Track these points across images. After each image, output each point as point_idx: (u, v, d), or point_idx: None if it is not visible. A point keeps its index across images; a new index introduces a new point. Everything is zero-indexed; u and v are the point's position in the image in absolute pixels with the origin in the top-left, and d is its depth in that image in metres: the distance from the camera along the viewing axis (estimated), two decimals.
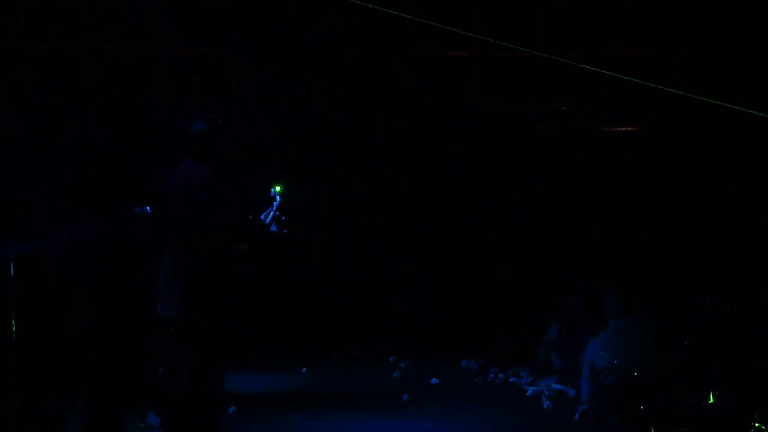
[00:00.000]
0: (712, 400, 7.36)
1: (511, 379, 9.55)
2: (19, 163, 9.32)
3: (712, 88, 11.10)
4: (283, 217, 6.11)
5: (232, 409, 8.05)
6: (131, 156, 6.83)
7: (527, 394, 8.84)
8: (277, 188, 6.02)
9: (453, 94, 11.92)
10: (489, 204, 11.71)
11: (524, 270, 11.56)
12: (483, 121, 11.72)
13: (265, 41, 11.41)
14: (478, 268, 11.70)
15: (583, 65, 9.10)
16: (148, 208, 6.16)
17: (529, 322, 10.83)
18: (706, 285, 9.80)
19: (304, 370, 10.26)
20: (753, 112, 6.62)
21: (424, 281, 11.68)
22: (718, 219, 11.10)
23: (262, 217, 5.99)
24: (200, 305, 5.64)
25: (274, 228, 6.03)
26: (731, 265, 10.46)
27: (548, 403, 8.38)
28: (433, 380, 9.58)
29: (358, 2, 7.38)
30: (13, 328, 7.53)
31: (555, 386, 8.94)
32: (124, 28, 11.30)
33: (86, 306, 6.68)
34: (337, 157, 11.36)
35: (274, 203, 6.05)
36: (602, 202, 11.57)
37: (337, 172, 11.41)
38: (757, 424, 7.01)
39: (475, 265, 11.71)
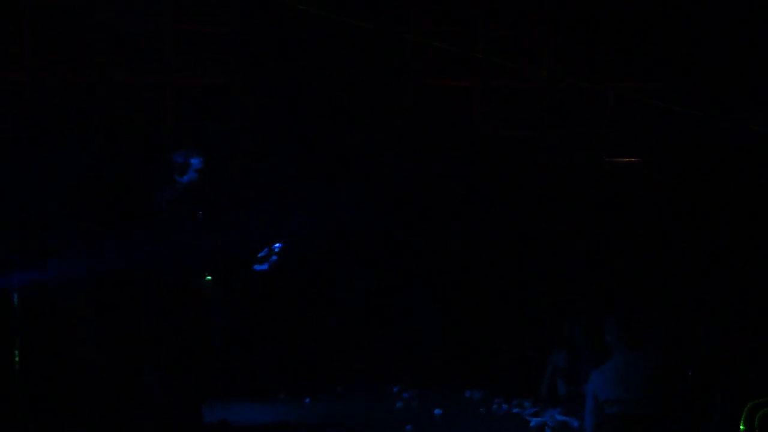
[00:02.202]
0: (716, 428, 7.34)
1: (514, 410, 9.53)
2: (23, 191, 9.34)
3: (715, 116, 11.19)
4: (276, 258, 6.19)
5: None
6: (136, 183, 6.86)
7: (531, 425, 8.82)
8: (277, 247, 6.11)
9: (456, 121, 11.96)
10: (493, 232, 11.71)
11: (528, 299, 11.55)
12: (487, 148, 11.75)
13: (266, 68, 11.48)
14: (482, 298, 11.68)
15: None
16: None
17: (533, 349, 10.81)
18: (709, 314, 9.79)
19: (307, 400, 10.23)
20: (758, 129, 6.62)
21: (428, 311, 11.66)
22: (722, 248, 11.09)
23: (256, 267, 6.11)
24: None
25: (265, 267, 6.13)
26: (734, 294, 10.44)
27: None
28: (437, 411, 9.56)
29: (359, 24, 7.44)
30: (17, 359, 7.52)
31: (559, 417, 8.92)
32: (130, 56, 11.38)
33: (89, 336, 6.69)
34: (340, 182, 11.38)
35: (272, 257, 6.14)
36: (606, 231, 11.57)
37: (340, 199, 11.42)
38: None
39: (479, 294, 11.69)
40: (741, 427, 6.83)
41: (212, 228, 6.02)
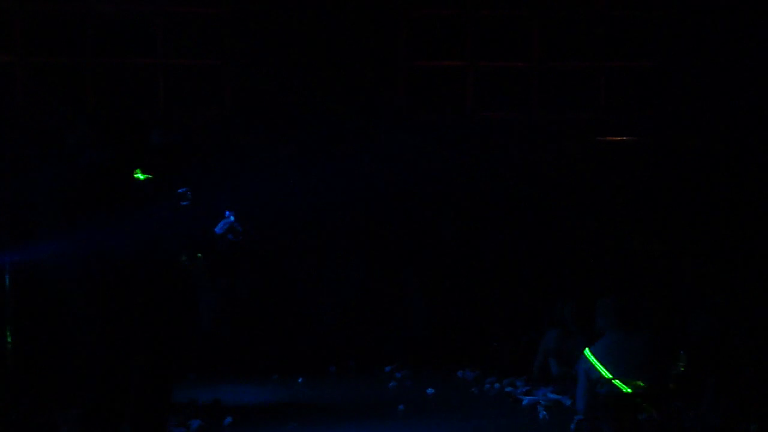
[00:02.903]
0: (707, 411, 7.36)
1: (507, 389, 9.56)
2: (14, 172, 9.33)
3: (710, 97, 11.20)
4: (240, 228, 6.21)
5: (228, 420, 8.05)
6: (127, 166, 6.84)
7: (523, 404, 8.84)
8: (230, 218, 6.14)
9: (448, 104, 11.94)
10: (484, 212, 11.71)
11: (520, 278, 11.56)
12: (478, 131, 11.74)
13: (260, 50, 11.45)
14: (474, 277, 11.69)
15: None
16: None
17: (525, 330, 10.83)
18: (702, 296, 9.81)
19: (300, 380, 10.25)
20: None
21: (419, 291, 11.68)
22: (716, 229, 11.11)
23: (216, 229, 6.13)
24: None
25: (230, 237, 6.16)
26: (728, 276, 10.47)
27: (544, 413, 8.38)
28: (429, 390, 9.58)
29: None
30: (8, 339, 7.53)
31: (551, 396, 8.95)
32: (121, 40, 11.35)
33: (80, 317, 6.68)
34: (334, 167, 11.36)
35: (228, 213, 6.16)
36: (598, 211, 11.58)
37: (334, 182, 11.41)
38: None
39: (470, 273, 11.70)
40: None
41: (198, 207, 6.02)
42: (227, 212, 6.28)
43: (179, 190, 6.03)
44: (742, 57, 11.07)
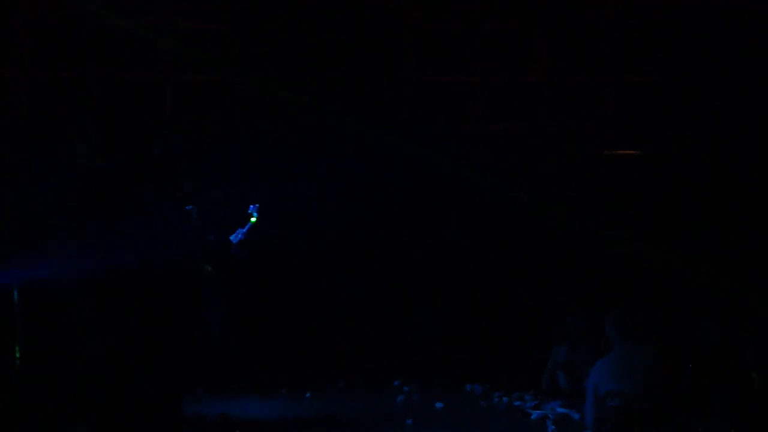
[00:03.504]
0: (716, 424, 7.34)
1: (515, 403, 9.54)
2: (21, 188, 9.34)
3: (714, 110, 11.20)
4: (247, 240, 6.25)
5: None
6: (135, 179, 6.87)
7: (532, 418, 8.83)
8: (254, 215, 6.16)
9: (453, 117, 11.96)
10: (491, 225, 11.72)
11: (528, 292, 11.55)
12: (483, 143, 11.75)
13: (265, 63, 11.49)
14: (482, 290, 11.69)
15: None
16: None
17: (535, 344, 10.82)
18: (711, 307, 9.78)
19: (308, 395, 10.24)
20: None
21: (428, 305, 11.68)
22: (724, 240, 11.09)
23: (232, 238, 6.16)
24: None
25: (235, 249, 6.20)
26: (737, 286, 10.44)
27: (553, 427, 8.37)
28: (438, 404, 9.57)
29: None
30: (17, 355, 7.52)
31: (559, 410, 8.93)
32: (129, 54, 11.39)
33: (89, 333, 6.69)
34: (339, 178, 11.39)
35: (247, 225, 6.19)
36: (605, 223, 11.57)
37: (340, 193, 11.43)
38: None
39: (478, 286, 11.71)
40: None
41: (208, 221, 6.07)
42: (251, 207, 6.28)
43: (186, 208, 6.06)
44: (744, 70, 11.08)
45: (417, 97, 11.85)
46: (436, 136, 11.69)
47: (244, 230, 6.28)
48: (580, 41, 11.84)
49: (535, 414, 8.89)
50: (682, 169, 11.48)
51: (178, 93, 11.59)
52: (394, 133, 11.52)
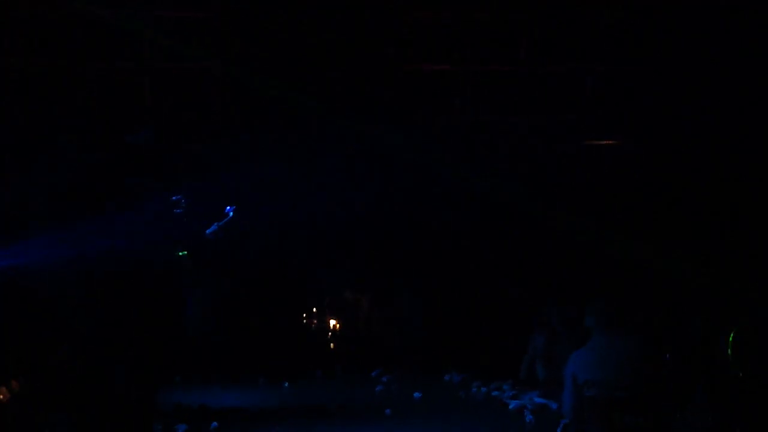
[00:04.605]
0: (695, 414, 7.37)
1: (493, 393, 9.56)
2: (5, 178, 9.28)
3: (697, 99, 11.23)
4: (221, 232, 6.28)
5: (214, 424, 8.01)
6: (116, 169, 6.86)
7: (510, 407, 8.84)
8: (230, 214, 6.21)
9: (438, 108, 11.94)
10: (474, 217, 11.72)
11: (508, 283, 11.57)
12: (468, 134, 11.74)
13: (251, 53, 11.44)
14: (462, 280, 11.70)
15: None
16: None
17: (513, 334, 10.83)
18: (692, 299, 9.82)
19: (286, 384, 10.23)
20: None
21: (408, 296, 11.68)
22: (706, 232, 11.12)
23: (207, 231, 6.18)
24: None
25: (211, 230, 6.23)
26: (718, 279, 10.48)
27: (531, 417, 8.38)
28: (416, 394, 9.58)
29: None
30: None
31: (537, 400, 8.95)
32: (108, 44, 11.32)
33: (70, 321, 6.67)
34: (325, 169, 11.37)
35: (223, 220, 6.23)
36: (588, 214, 11.59)
37: (325, 184, 11.42)
38: None
39: (458, 277, 11.71)
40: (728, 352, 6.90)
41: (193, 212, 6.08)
42: (227, 208, 6.33)
43: (173, 198, 6.06)
44: (730, 59, 11.11)
45: (401, 87, 11.82)
46: (419, 127, 11.67)
47: (220, 224, 6.31)
48: (562, 31, 11.84)
49: (513, 404, 8.90)
50: (666, 159, 11.50)
51: (161, 83, 11.53)
52: (379, 123, 11.52)
